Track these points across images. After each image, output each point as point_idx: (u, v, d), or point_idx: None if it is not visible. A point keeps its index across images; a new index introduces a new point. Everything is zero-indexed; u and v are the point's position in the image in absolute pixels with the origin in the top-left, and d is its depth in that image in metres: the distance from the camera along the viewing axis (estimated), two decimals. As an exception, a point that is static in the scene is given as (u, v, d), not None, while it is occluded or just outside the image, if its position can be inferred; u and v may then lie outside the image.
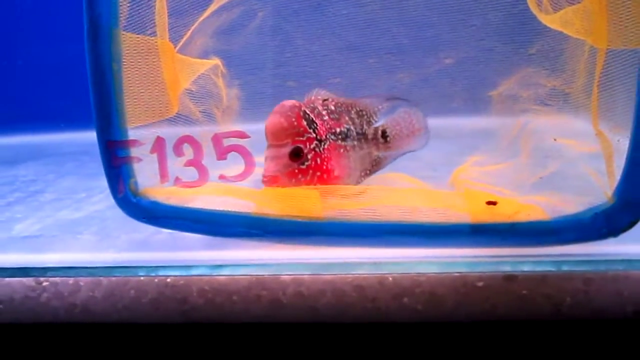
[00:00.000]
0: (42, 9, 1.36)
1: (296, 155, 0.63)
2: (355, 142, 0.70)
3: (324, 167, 0.66)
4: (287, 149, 0.63)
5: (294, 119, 0.64)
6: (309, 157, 0.64)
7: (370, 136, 0.73)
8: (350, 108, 0.71)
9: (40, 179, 1.03)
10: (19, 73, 1.40)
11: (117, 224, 0.72)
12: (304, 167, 0.64)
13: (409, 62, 0.77)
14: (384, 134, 0.74)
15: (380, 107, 0.74)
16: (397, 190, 0.63)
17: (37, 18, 1.37)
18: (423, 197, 0.62)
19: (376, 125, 0.74)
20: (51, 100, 1.36)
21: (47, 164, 1.16)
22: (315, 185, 0.64)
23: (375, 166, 0.74)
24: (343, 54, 0.78)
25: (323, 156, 0.66)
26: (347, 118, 0.70)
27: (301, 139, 0.64)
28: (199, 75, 0.69)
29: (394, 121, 0.75)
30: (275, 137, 0.64)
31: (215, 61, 0.71)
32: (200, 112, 0.69)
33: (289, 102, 0.66)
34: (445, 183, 0.69)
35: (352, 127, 0.70)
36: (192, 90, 0.69)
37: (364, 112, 0.73)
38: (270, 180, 0.63)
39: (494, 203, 0.58)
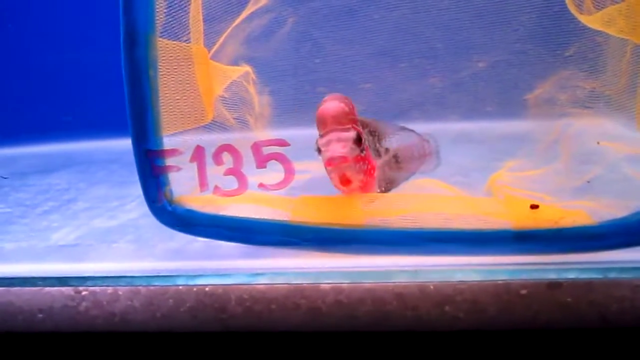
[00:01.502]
0: (73, 15, 1.36)
1: (359, 140, 0.62)
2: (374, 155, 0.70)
3: (371, 161, 0.65)
4: (351, 134, 0.61)
5: (351, 107, 0.63)
6: (363, 147, 0.63)
7: (382, 154, 0.73)
8: (364, 127, 0.70)
9: (72, 187, 1.04)
10: (47, 82, 1.40)
11: (152, 233, 0.72)
12: (363, 155, 0.63)
13: (441, 66, 0.76)
14: (395, 155, 0.74)
15: (391, 133, 0.74)
16: (436, 197, 0.62)
17: (68, 26, 1.38)
18: (462, 203, 0.61)
19: (387, 146, 0.74)
20: (80, 109, 1.37)
21: (78, 172, 1.16)
22: (365, 177, 0.64)
23: (388, 184, 0.74)
24: (374, 59, 0.77)
25: (369, 151, 0.65)
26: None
27: (358, 127, 0.63)
28: (231, 82, 0.69)
29: (404, 144, 0.75)
30: (338, 120, 0.61)
31: (246, 68, 0.71)
32: (234, 118, 0.68)
33: (337, 94, 0.64)
34: (480, 189, 0.68)
35: (369, 143, 0.70)
36: (225, 97, 0.68)
37: (375, 132, 0.73)
38: (340, 159, 0.61)
39: (536, 207, 0.57)
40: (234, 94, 0.70)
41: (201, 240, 0.66)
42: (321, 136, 0.62)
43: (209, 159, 0.61)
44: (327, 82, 0.77)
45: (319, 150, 0.63)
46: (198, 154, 0.61)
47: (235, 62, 0.70)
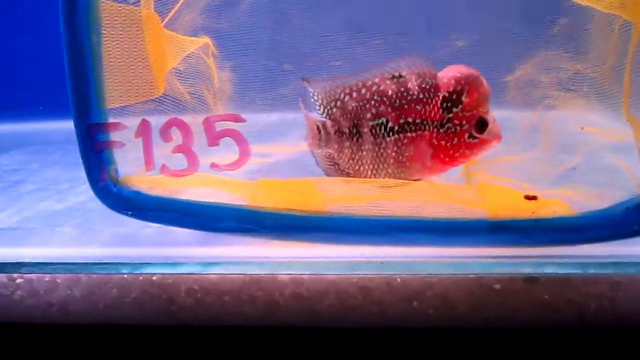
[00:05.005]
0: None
1: None
2: None
3: None
4: None
5: None
6: None
7: None
8: None
9: (23, 168, 1.01)
10: (6, 58, 1.36)
11: (101, 217, 0.68)
12: None
13: (417, 44, 0.72)
14: None
15: None
16: (406, 183, 0.60)
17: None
18: (434, 190, 0.59)
19: None
20: (38, 87, 1.32)
21: (32, 153, 1.13)
22: None
23: None
24: (345, 35, 0.73)
25: None
26: None
27: None
28: (188, 54, 0.65)
29: None
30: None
31: (206, 40, 0.66)
32: (189, 93, 0.64)
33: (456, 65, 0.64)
34: (454, 176, 0.65)
35: None
36: (180, 70, 0.65)
37: None
38: None
39: (533, 198, 0.55)
40: (190, 67, 0.65)
41: (153, 225, 0.63)
42: (487, 112, 0.62)
43: (156, 136, 0.57)
44: (294, 58, 0.73)
45: (483, 124, 0.61)
46: (144, 128, 0.57)
47: (193, 33, 0.66)
